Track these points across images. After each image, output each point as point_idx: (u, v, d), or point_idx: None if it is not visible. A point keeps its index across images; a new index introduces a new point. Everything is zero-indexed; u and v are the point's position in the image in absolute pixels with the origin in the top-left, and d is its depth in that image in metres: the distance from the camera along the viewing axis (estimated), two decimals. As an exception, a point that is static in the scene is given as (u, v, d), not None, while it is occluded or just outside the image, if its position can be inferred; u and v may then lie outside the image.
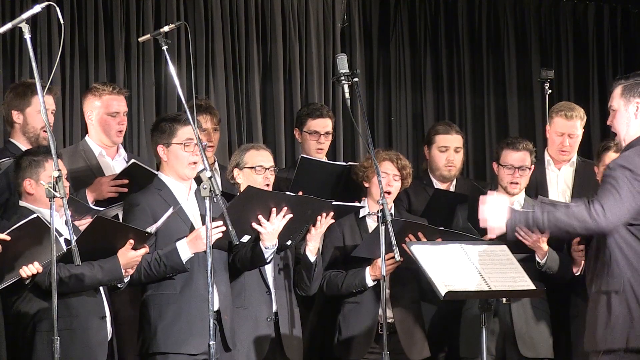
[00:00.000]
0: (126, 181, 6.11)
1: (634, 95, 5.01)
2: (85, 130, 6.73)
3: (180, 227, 5.73)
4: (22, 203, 5.59)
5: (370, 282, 6.25)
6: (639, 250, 4.96)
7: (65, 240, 5.39)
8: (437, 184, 7.18)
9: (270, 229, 5.78)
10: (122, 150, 6.62)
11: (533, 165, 6.70)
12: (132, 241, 5.46)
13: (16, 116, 6.28)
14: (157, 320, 5.71)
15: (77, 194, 6.06)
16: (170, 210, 5.54)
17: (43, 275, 5.31)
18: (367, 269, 6.24)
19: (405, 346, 6.31)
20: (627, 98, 5.02)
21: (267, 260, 5.88)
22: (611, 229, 4.94)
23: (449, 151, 7.13)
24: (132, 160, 6.17)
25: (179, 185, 5.85)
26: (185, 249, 5.62)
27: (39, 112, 6.14)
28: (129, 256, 5.50)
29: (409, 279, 6.37)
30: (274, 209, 5.77)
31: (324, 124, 7.05)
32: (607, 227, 4.92)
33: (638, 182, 4.88)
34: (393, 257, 5.69)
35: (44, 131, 6.19)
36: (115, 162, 6.54)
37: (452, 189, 7.18)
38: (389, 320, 6.24)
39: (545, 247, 6.18)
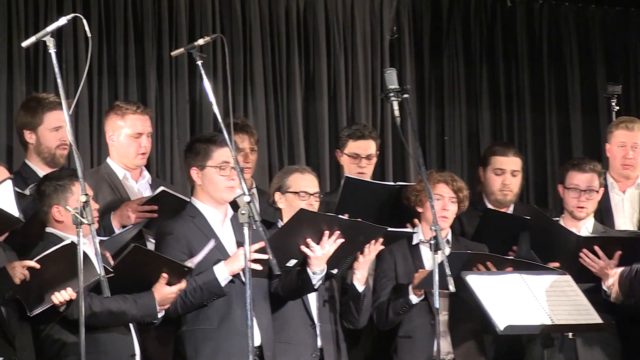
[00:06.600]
0: (155, 207, 6.00)
1: None
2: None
3: (215, 258, 5.64)
4: (49, 229, 5.51)
5: (414, 299, 6.16)
6: None
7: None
8: (492, 210, 7.05)
9: (320, 253, 5.71)
10: (145, 173, 6.52)
11: (602, 188, 6.56)
12: (165, 276, 5.44)
13: (28, 136, 6.22)
14: (194, 358, 5.66)
15: (102, 220, 5.98)
16: (212, 244, 5.56)
17: (73, 306, 5.24)
18: (410, 286, 6.17)
19: (468, 382, 6.26)
20: None
21: (315, 287, 5.82)
22: None
23: (505, 174, 7.03)
24: (162, 188, 6.06)
25: (214, 212, 5.79)
26: (222, 271, 5.60)
27: (53, 129, 6.15)
28: (164, 292, 5.49)
29: (470, 308, 6.14)
30: (327, 232, 5.69)
31: (365, 147, 6.95)
32: None
33: None
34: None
35: (61, 149, 6.19)
36: (139, 185, 6.43)
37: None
38: (449, 357, 6.18)
39: (613, 274, 5.98)
